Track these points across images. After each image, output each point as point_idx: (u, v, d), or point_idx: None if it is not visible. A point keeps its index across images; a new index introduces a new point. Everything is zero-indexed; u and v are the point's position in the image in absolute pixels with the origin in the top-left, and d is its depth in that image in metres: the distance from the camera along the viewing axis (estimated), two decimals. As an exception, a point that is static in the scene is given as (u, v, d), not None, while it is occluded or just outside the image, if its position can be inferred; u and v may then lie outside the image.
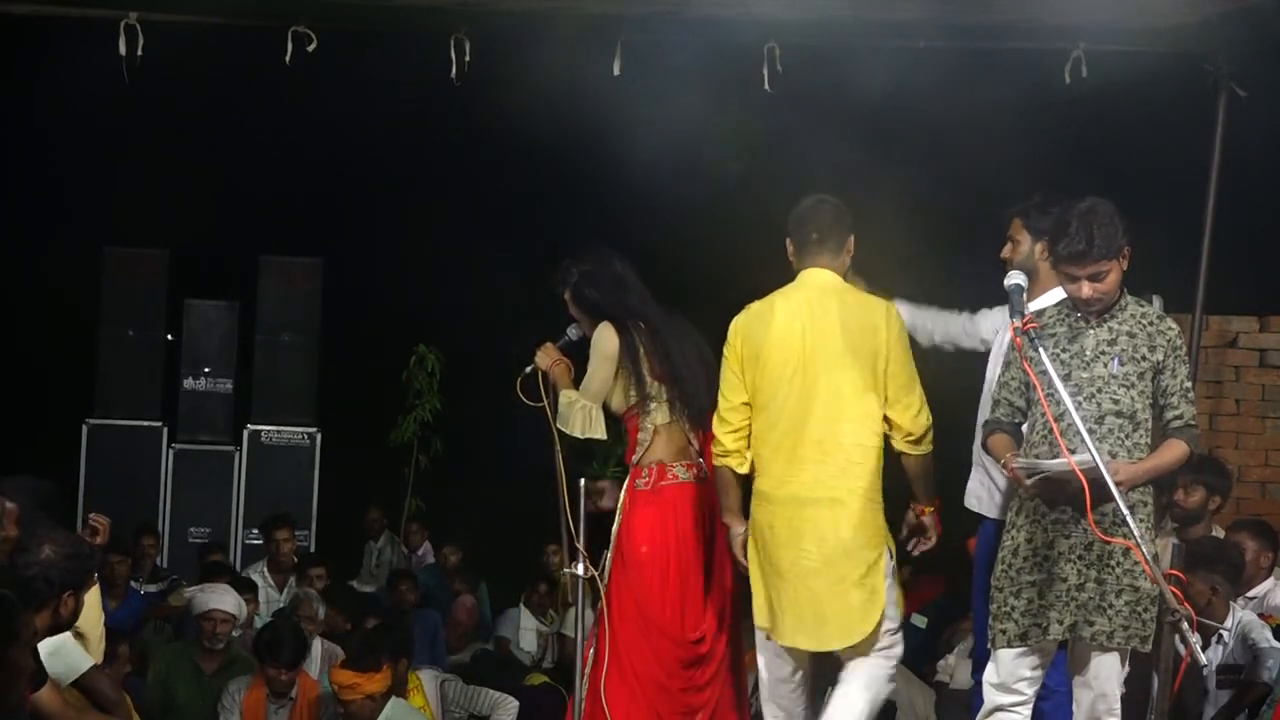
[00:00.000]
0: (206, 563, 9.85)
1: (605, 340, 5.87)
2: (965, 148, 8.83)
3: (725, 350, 5.61)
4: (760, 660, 5.61)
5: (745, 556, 5.56)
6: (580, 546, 5.67)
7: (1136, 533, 4.73)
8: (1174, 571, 5.03)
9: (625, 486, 5.87)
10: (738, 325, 5.62)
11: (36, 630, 4.68)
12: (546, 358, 5.97)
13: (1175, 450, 5.14)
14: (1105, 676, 5.14)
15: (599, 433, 5.81)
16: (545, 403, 5.92)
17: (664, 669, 5.68)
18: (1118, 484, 4.81)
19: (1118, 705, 5.19)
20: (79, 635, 5.66)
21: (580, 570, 5.64)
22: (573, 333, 6.06)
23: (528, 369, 5.99)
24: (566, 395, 5.85)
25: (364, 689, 6.90)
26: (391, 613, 9.62)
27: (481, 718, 7.86)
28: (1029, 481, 4.99)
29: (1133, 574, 5.02)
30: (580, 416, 5.79)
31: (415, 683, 7.68)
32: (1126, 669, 5.21)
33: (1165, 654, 5.13)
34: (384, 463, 12.75)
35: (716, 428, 5.56)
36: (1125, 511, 4.71)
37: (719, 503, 5.68)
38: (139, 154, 11.44)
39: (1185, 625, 4.58)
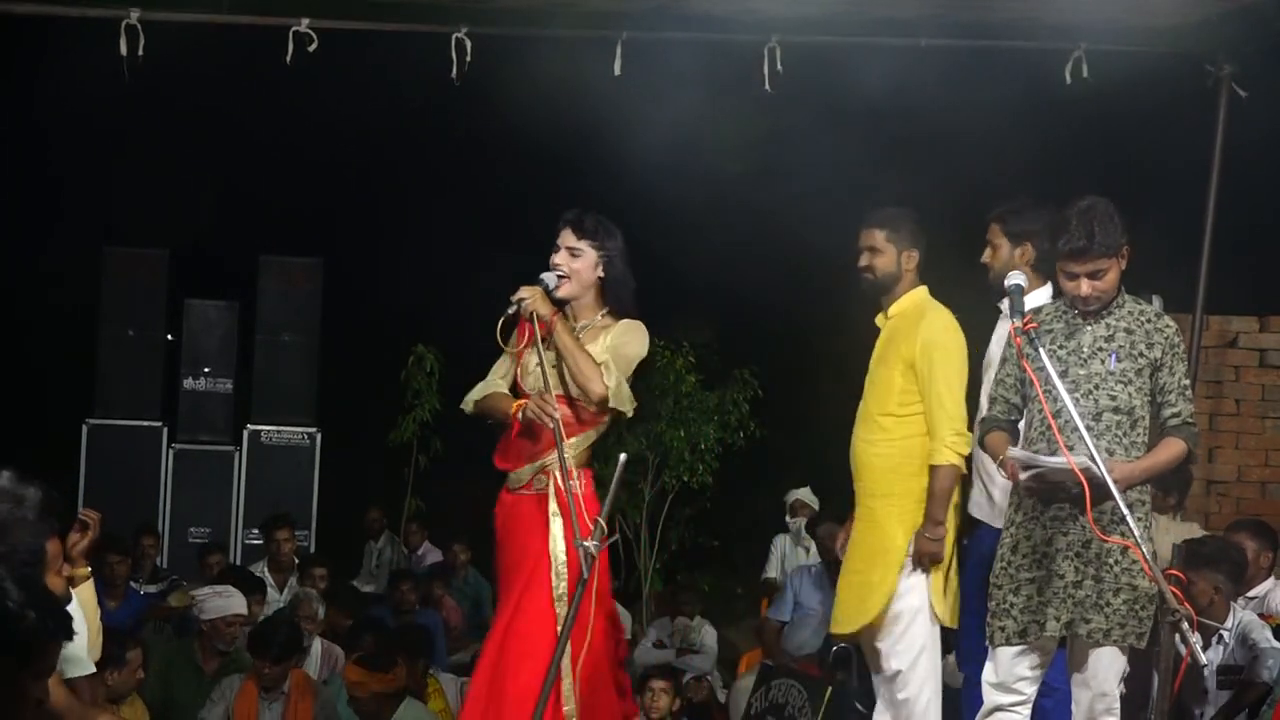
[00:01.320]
0: (209, 563, 9.83)
1: (643, 343, 5.48)
2: (966, 146, 8.84)
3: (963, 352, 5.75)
4: (935, 661, 5.79)
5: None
6: (599, 518, 5.10)
7: (1136, 532, 4.73)
8: (1174, 571, 5.02)
9: (583, 479, 5.39)
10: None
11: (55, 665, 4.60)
12: (545, 305, 5.33)
13: (1173, 448, 5.13)
14: (1104, 675, 5.13)
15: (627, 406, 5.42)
16: (541, 349, 5.30)
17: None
18: (1114, 483, 4.80)
19: (1117, 704, 5.19)
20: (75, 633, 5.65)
21: (591, 545, 5.01)
22: (550, 280, 5.42)
23: (511, 309, 5.36)
24: (611, 357, 5.36)
25: (369, 687, 6.93)
26: (395, 613, 9.63)
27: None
28: (1023, 476, 4.99)
29: (1130, 572, 5.02)
30: (622, 382, 5.40)
31: (435, 686, 7.69)
32: (1126, 667, 5.21)
33: (1165, 654, 5.12)
34: (384, 463, 12.76)
35: (966, 429, 5.67)
36: (1125, 510, 4.70)
37: None
38: (139, 154, 11.46)
39: (1185, 625, 4.57)
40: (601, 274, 5.46)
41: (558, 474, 5.27)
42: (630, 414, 5.48)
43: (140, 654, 7.04)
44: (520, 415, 5.30)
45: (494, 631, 5.44)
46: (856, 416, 5.92)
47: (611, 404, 5.32)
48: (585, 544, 4.97)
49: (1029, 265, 5.70)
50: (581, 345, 5.34)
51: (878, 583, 5.69)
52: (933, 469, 5.64)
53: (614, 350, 5.36)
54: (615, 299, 5.49)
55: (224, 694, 7.19)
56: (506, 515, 5.49)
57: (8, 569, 3.22)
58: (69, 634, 3.38)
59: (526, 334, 5.44)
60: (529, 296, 5.31)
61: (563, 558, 5.25)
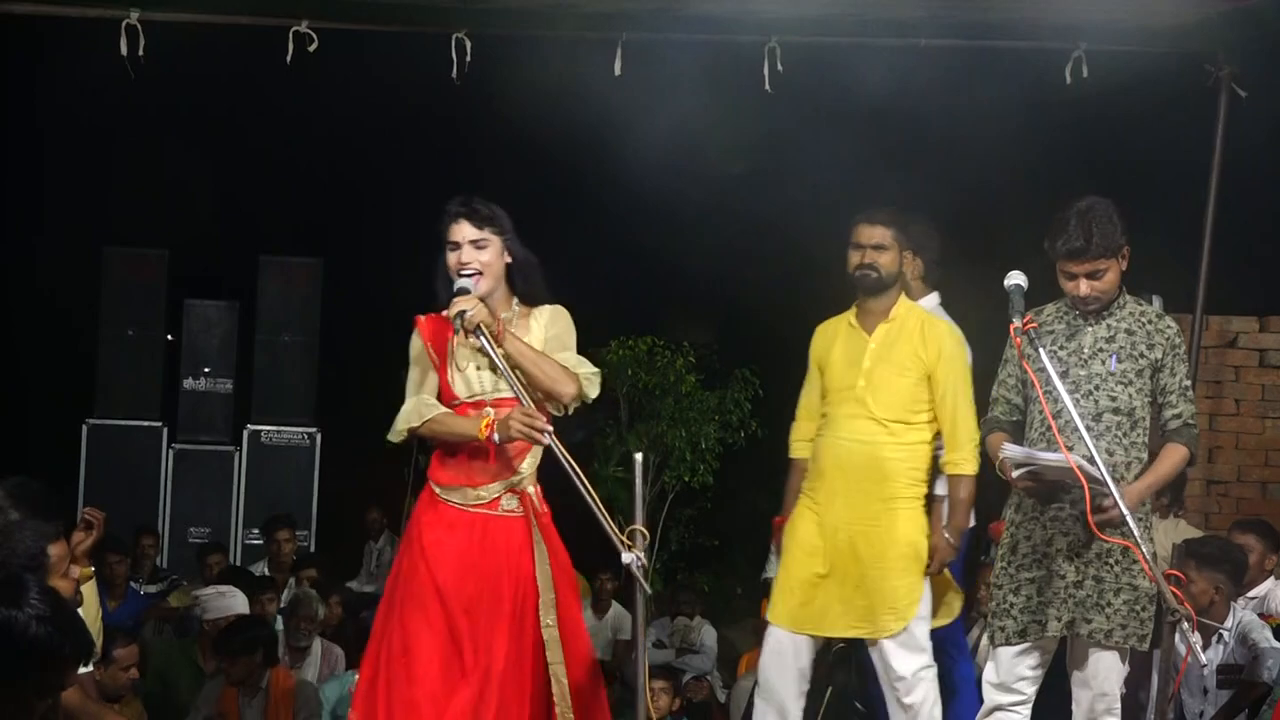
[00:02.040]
0: (209, 563, 9.81)
1: (573, 327, 5.08)
2: (965, 147, 8.83)
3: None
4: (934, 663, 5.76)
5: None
6: (636, 526, 4.65)
7: (1136, 532, 4.72)
8: (1174, 571, 5.01)
9: (537, 492, 4.99)
10: None
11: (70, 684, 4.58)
12: (488, 313, 4.88)
13: (1175, 455, 5.13)
14: (1105, 675, 5.13)
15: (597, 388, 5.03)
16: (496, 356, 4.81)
17: None
18: (1127, 510, 4.80)
19: (1117, 705, 5.19)
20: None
21: (634, 560, 4.60)
22: (470, 285, 4.92)
23: (459, 320, 4.81)
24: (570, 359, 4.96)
25: None
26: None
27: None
28: (1015, 474, 4.98)
29: (1131, 572, 5.02)
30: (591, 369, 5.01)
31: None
32: (1127, 669, 5.21)
33: (1165, 654, 5.12)
34: (384, 463, 12.74)
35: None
36: (1124, 511, 4.70)
37: None
38: (139, 154, 11.45)
39: (1185, 625, 4.56)
40: (508, 259, 4.99)
41: (534, 494, 4.93)
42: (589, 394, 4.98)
43: (134, 652, 7.00)
44: (495, 436, 4.80)
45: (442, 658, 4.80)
46: (838, 415, 5.78)
47: (588, 396, 4.93)
48: (630, 556, 4.56)
49: (920, 278, 6.12)
50: (525, 349, 4.86)
51: (906, 590, 5.64)
52: (958, 478, 5.66)
53: (558, 341, 4.98)
54: (524, 281, 5.03)
55: (208, 698, 7.19)
56: (449, 530, 4.95)
57: (35, 581, 3.22)
58: (89, 656, 3.37)
59: (449, 341, 4.95)
60: (471, 307, 4.79)
61: (551, 589, 4.89)
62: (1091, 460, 4.77)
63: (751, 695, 8.09)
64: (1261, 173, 8.13)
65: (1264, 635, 6.27)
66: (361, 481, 12.26)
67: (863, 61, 6.70)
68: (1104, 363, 5.11)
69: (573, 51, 6.80)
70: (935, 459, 5.74)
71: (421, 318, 5.13)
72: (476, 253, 4.94)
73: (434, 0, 6.57)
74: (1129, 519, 4.68)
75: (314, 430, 11.51)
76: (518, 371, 4.82)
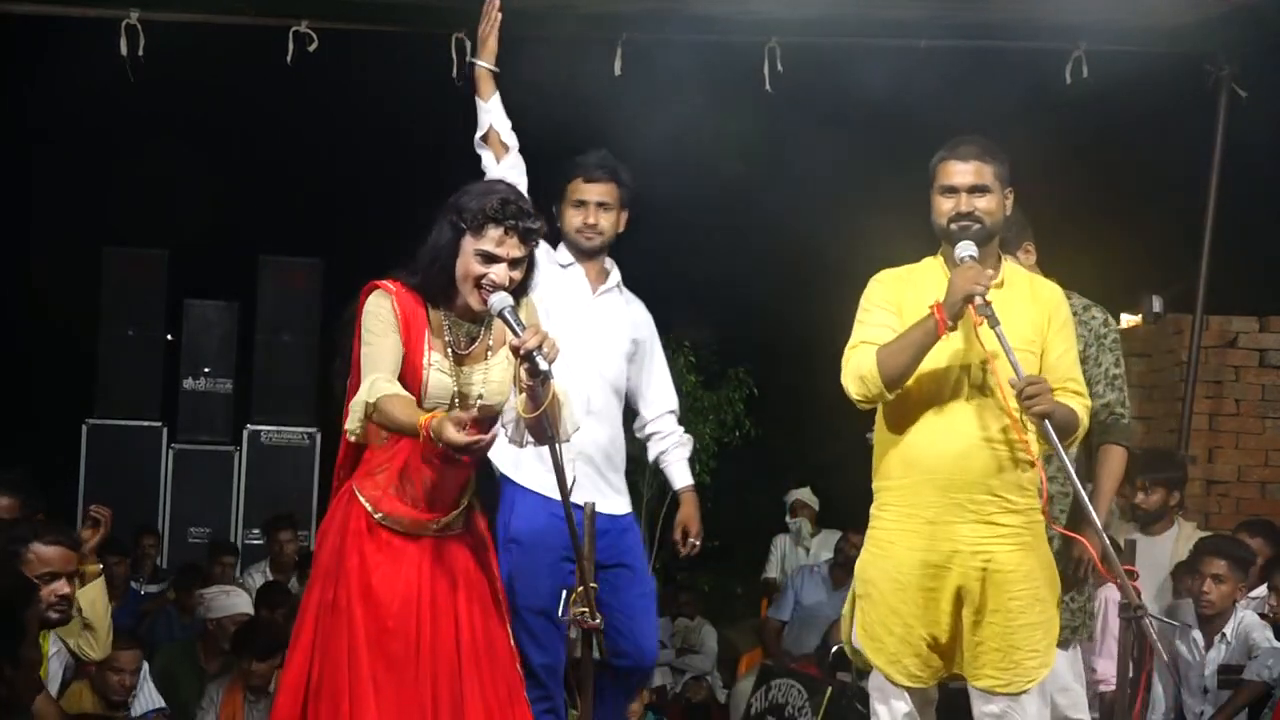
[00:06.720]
0: (223, 563, 9.80)
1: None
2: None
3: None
4: None
5: None
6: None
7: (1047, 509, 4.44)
8: (1131, 567, 4.86)
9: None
10: None
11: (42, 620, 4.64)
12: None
13: (1116, 459, 5.19)
14: (1056, 671, 4.63)
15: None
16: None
17: None
18: (1103, 557, 4.46)
19: (1082, 699, 5.13)
20: (88, 627, 5.68)
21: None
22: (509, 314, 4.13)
23: (537, 357, 4.01)
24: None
25: None
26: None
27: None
28: None
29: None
30: None
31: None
32: (1076, 656, 5.16)
33: (1123, 652, 5.02)
34: (384, 462, 12.74)
35: None
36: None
37: None
38: (139, 154, 11.45)
39: (1146, 620, 4.35)
40: (529, 269, 4.31)
41: (475, 503, 4.47)
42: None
43: (136, 656, 6.84)
44: (470, 445, 3.95)
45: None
46: (949, 404, 4.38)
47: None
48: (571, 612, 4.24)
49: None
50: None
51: (1046, 633, 4.48)
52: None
53: None
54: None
55: (212, 699, 7.17)
56: (395, 564, 4.28)
57: None
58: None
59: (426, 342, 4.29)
60: (550, 347, 3.99)
61: (498, 599, 4.45)
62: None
63: (751, 696, 8.11)
64: (1261, 173, 8.14)
65: (1265, 635, 6.28)
66: (362, 481, 12.27)
67: (863, 62, 6.70)
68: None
69: (572, 51, 6.79)
70: None
71: (391, 285, 4.43)
72: (511, 272, 4.19)
73: (434, 0, 6.57)
74: (1082, 495, 4.34)
75: (314, 430, 11.49)
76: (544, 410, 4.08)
